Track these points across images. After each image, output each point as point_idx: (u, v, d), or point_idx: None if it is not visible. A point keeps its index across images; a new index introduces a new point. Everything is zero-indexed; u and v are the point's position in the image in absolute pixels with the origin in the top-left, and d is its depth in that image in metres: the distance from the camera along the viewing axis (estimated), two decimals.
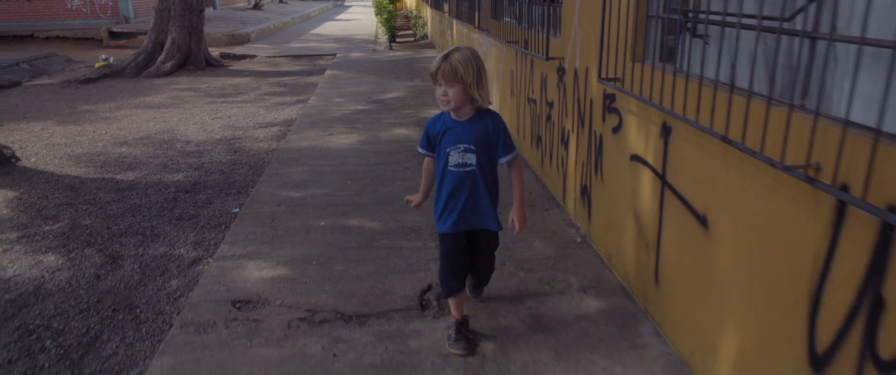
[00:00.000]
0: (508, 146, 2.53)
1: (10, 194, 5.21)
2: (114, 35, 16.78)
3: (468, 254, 2.66)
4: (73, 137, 7.02)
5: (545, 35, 4.27)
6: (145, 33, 16.18)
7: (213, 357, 2.66)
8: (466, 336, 2.66)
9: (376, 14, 17.79)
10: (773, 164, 1.76)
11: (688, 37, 2.41)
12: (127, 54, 13.28)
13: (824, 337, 1.69)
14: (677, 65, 2.41)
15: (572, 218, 4.08)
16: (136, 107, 8.82)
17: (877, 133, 1.42)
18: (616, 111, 3.17)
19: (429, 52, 14.15)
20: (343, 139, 6.45)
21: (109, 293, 3.43)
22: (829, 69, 1.75)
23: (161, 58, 11.65)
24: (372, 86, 9.79)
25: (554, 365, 2.56)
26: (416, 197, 2.75)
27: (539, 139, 4.90)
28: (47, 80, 11.29)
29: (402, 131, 6.76)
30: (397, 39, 16.54)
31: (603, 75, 3.11)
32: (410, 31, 18.59)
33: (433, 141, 2.58)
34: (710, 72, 2.26)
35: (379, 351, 2.67)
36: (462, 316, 2.71)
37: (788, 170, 1.69)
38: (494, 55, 6.66)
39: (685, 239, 2.48)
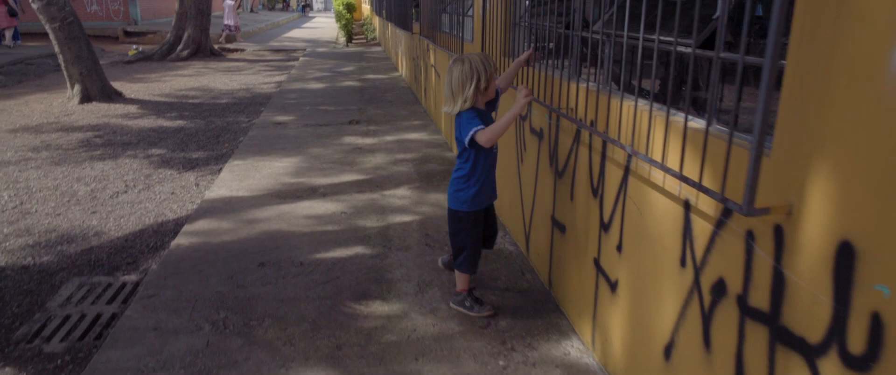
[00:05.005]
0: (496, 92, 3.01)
1: (132, 108, 9.83)
2: (127, 33, 21.22)
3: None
4: (147, 87, 11.63)
5: (461, 39, 8.13)
6: (153, 32, 20.77)
7: (268, 133, 7.43)
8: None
9: (337, 21, 22.49)
10: (580, 125, 6.61)
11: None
12: (144, 48, 17.76)
13: None
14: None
15: (433, 118, 8.93)
16: (174, 76, 13.42)
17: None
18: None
19: (376, 48, 18.98)
20: (315, 85, 11.26)
21: (221, 126, 8.17)
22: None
23: (180, 47, 16.24)
24: (333, 64, 14.62)
25: None
26: (524, 97, 2.75)
27: (416, 80, 9.75)
28: None
29: (349, 83, 11.60)
30: (353, 40, 21.34)
31: None
32: (363, 35, 23.40)
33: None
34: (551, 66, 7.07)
35: (331, 131, 7.48)
36: (471, 286, 3.18)
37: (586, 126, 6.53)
38: (429, 51, 11.54)
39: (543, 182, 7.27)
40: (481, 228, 3.08)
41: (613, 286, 2.54)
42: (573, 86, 2.82)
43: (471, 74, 2.82)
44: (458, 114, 2.89)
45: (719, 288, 1.80)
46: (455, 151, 3.38)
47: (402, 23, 11.42)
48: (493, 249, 3.72)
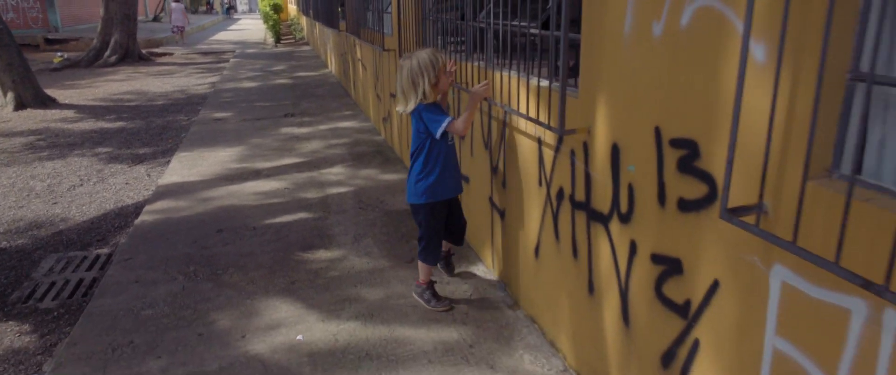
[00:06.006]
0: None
1: (69, 113, 10.10)
2: (49, 41, 20.89)
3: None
4: (79, 93, 11.84)
5: (382, 34, 9.24)
6: (75, 39, 20.56)
7: (209, 128, 7.97)
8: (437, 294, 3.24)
9: (264, 22, 22.77)
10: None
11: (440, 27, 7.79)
12: (70, 55, 17.67)
13: None
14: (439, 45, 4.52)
15: (361, 108, 9.61)
16: (105, 81, 13.59)
17: None
18: None
19: (305, 48, 19.44)
20: (249, 84, 11.76)
21: (162, 125, 8.63)
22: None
23: (107, 53, 16.29)
24: (264, 64, 15.07)
25: None
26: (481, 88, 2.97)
27: (345, 75, 10.42)
28: None
29: (281, 81, 12.14)
30: (282, 40, 21.70)
31: (401, 54, 8.65)
32: (292, 35, 23.75)
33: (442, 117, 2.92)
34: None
35: (268, 124, 8.07)
36: (431, 280, 3.25)
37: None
38: (355, 46, 12.17)
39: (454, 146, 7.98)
40: (441, 220, 3.16)
41: (502, 214, 3.35)
42: (468, 65, 3.61)
43: (420, 71, 2.86)
44: (415, 112, 2.94)
45: (560, 194, 2.63)
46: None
47: (329, 21, 12.04)
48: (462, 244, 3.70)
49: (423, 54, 2.90)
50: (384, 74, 6.40)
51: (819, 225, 1.34)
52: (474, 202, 3.82)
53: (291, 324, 3.15)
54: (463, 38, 3.86)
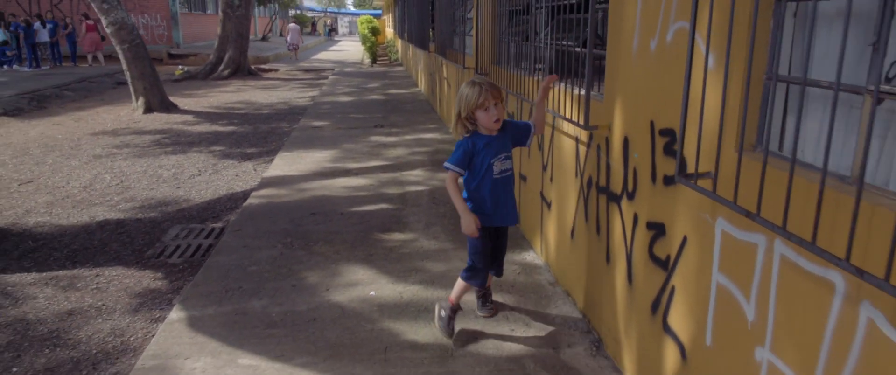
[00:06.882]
0: (527, 126, 3.03)
1: (189, 117, 11.40)
2: (171, 56, 23.12)
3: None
4: (197, 101, 13.25)
5: (463, 54, 10.48)
6: (194, 54, 22.60)
7: (308, 134, 8.92)
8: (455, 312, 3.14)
9: (362, 43, 24.21)
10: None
11: None
12: (189, 68, 19.54)
13: None
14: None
15: (445, 121, 10.37)
16: (218, 92, 15.06)
17: None
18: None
19: (398, 69, 20.58)
20: (345, 98, 12.80)
21: (267, 130, 9.68)
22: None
23: (221, 67, 17.96)
24: (360, 82, 16.19)
25: None
26: (472, 223, 2.84)
27: (433, 93, 11.22)
28: None
29: (374, 97, 13.12)
30: (378, 61, 23.00)
31: (477, 71, 9.42)
32: (387, 57, 25.08)
33: (474, 157, 2.85)
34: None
35: (360, 132, 8.94)
36: (458, 305, 3.16)
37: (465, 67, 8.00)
38: (441, 66, 13.06)
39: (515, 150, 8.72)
40: (487, 246, 3.05)
41: (549, 205, 3.91)
42: (529, 79, 4.21)
43: (458, 101, 2.87)
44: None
45: (589, 182, 3.18)
46: None
47: (421, 43, 12.95)
48: (501, 277, 3.57)
49: (465, 87, 2.84)
50: None
51: (744, 186, 1.85)
52: (529, 197, 4.39)
53: (366, 284, 3.82)
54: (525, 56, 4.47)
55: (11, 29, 19.49)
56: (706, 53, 1.95)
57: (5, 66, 19.29)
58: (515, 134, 3.01)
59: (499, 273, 3.28)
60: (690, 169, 2.11)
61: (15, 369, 3.14)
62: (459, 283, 3.16)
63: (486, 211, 2.96)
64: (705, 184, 2.03)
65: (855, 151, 1.56)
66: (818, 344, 1.57)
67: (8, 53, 19.35)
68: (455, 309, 3.14)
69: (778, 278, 1.73)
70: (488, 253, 3.06)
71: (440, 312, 3.15)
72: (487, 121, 2.81)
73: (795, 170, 1.56)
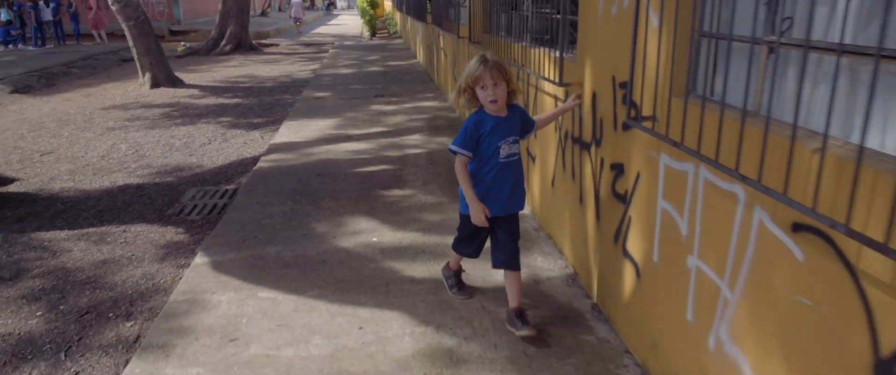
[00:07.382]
0: (532, 122, 2.97)
1: (194, 91, 11.75)
2: (172, 32, 23.35)
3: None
4: (201, 76, 13.59)
5: (458, 24, 10.83)
6: (195, 31, 22.82)
7: (311, 104, 9.29)
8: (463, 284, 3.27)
9: (361, 17, 24.36)
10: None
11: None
12: (191, 44, 19.82)
13: None
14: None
15: (442, 90, 10.72)
16: (221, 67, 15.39)
17: None
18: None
19: (397, 41, 20.84)
20: (345, 71, 13.14)
21: (271, 102, 10.06)
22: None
23: (223, 43, 18.24)
24: (359, 54, 16.50)
25: None
26: (480, 213, 2.79)
27: (431, 64, 11.55)
28: None
29: (374, 68, 13.46)
30: (377, 34, 23.21)
31: (470, 41, 9.74)
32: (386, 30, 25.26)
33: (480, 139, 2.73)
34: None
35: (360, 102, 9.31)
36: (459, 268, 3.27)
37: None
38: (438, 36, 13.35)
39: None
40: (480, 237, 3.04)
41: (534, 159, 4.31)
42: (516, 45, 4.58)
43: (464, 72, 2.77)
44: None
45: (566, 135, 3.57)
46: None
47: (419, 15, 13.23)
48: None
49: (474, 62, 2.73)
50: (460, 59, 7.45)
51: (676, 124, 2.25)
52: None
53: (369, 232, 4.24)
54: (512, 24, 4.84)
55: (15, 8, 19.76)
56: (649, 15, 2.32)
57: (11, 46, 19.61)
58: (524, 121, 2.93)
59: (509, 264, 2.93)
60: (643, 114, 2.50)
61: (61, 306, 3.58)
62: (452, 253, 3.26)
63: (491, 200, 2.84)
64: (651, 126, 2.42)
65: (754, 92, 1.96)
66: (727, 244, 1.98)
67: (13, 32, 19.66)
68: (457, 274, 3.32)
69: (702, 196, 2.14)
70: (473, 236, 3.02)
71: (448, 282, 3.33)
72: (484, 99, 2.72)
73: (724, 112, 1.96)
